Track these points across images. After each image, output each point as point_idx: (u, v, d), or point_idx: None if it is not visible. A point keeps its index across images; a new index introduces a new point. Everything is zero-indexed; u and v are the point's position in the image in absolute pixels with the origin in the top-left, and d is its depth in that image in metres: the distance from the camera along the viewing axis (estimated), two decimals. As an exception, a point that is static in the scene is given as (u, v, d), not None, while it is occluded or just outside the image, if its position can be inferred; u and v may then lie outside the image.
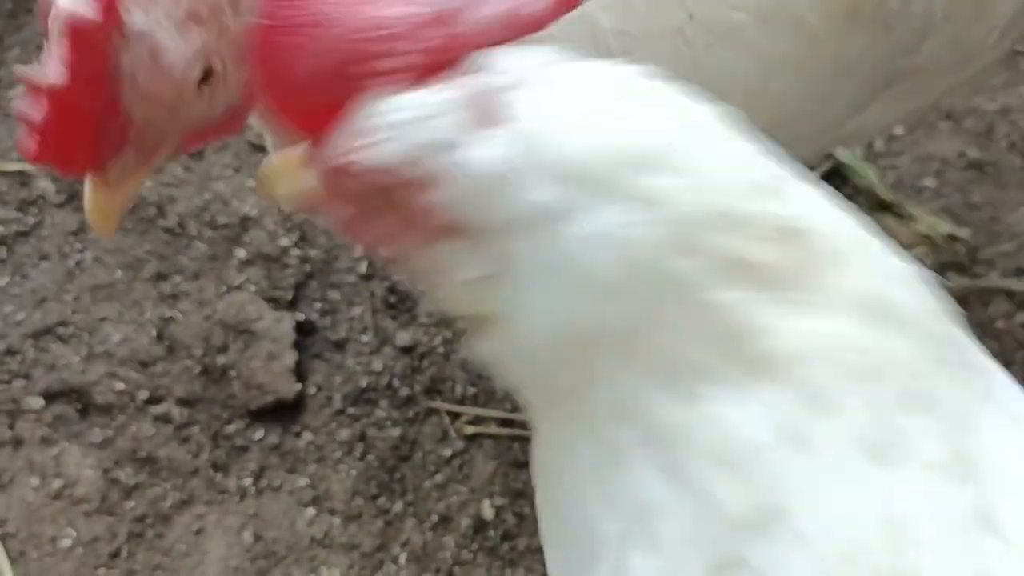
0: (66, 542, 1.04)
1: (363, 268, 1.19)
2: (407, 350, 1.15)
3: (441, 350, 1.16)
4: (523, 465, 1.13)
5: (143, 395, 1.10)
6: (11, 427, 1.07)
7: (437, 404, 1.13)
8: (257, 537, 1.05)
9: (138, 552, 1.04)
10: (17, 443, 1.08)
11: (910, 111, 1.10)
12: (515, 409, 1.15)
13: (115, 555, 1.04)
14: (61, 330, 1.11)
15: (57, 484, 1.06)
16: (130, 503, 1.06)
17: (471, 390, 1.14)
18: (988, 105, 1.39)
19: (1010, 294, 1.27)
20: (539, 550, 1.03)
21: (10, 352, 1.11)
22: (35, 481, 1.06)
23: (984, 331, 1.22)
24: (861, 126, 1.07)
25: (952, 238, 1.30)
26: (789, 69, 0.95)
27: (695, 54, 0.92)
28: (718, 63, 0.93)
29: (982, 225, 1.32)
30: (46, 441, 1.06)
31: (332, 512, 1.07)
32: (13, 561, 1.02)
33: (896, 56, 1.00)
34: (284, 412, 1.10)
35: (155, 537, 1.05)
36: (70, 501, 1.05)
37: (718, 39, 0.92)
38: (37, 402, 1.08)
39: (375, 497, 1.08)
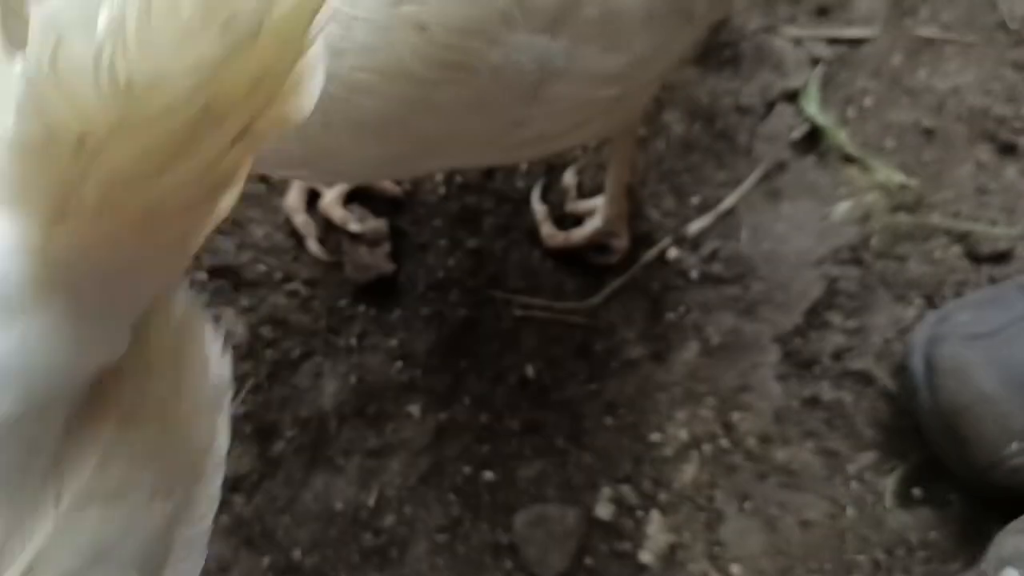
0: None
1: (442, 191, 1.56)
2: (474, 252, 1.52)
3: (499, 254, 1.52)
4: (557, 340, 1.48)
5: (278, 275, 1.49)
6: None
7: (495, 293, 1.50)
8: (360, 380, 1.42)
9: (274, 386, 1.42)
10: (185, 308, 1.46)
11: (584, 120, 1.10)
12: (556, 298, 1.51)
13: (257, 388, 1.42)
14: (221, 226, 1.48)
15: (217, 334, 1.44)
16: (268, 351, 1.44)
17: (521, 283, 1.50)
18: (941, 85, 1.71)
19: (947, 231, 1.58)
20: (564, 402, 1.40)
21: (182, 241, 1.49)
22: (201, 333, 1.44)
23: (924, 258, 1.55)
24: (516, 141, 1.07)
25: (904, 186, 1.60)
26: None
27: None
28: None
29: (930, 178, 1.62)
30: (210, 304, 1.44)
31: (415, 366, 1.43)
32: (186, 387, 1.40)
33: None
34: (382, 292, 1.47)
35: (286, 376, 1.42)
36: (227, 346, 1.43)
37: None
38: (203, 276, 1.47)
39: (446, 356, 1.45)
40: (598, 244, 1.50)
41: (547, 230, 1.50)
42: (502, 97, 0.96)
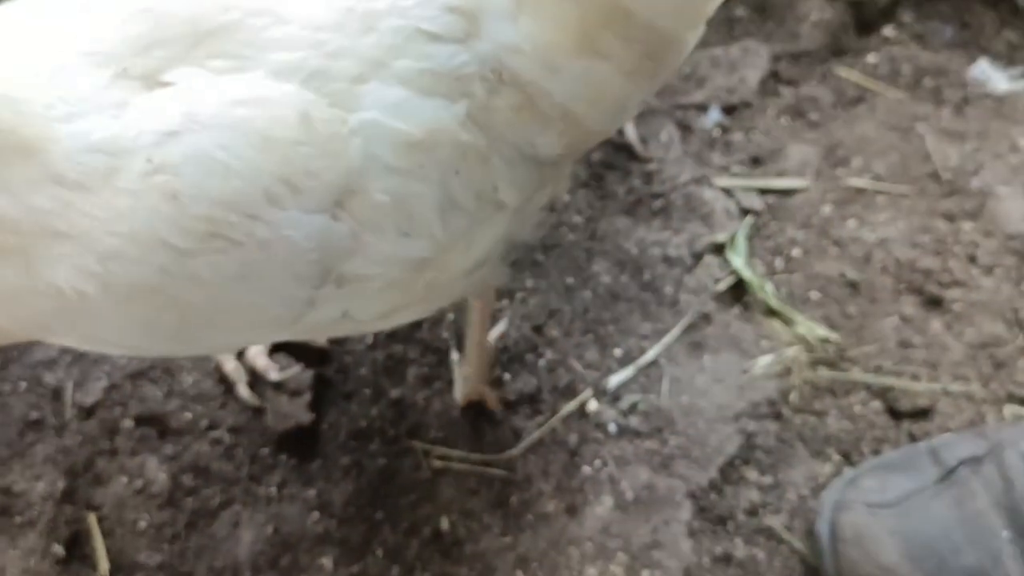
0: (142, 524, 1.45)
1: (369, 339, 1.60)
2: (396, 402, 1.55)
3: (421, 404, 1.55)
4: (475, 492, 1.50)
5: (204, 423, 1.52)
6: (111, 441, 1.50)
7: (414, 443, 1.52)
8: (276, 531, 1.45)
9: (191, 536, 1.45)
10: (113, 453, 1.50)
11: (399, 304, 1.09)
12: (475, 449, 1.53)
13: (175, 537, 1.45)
14: (152, 373, 1.54)
15: (139, 483, 1.47)
16: (189, 500, 1.47)
17: (440, 434, 1.53)
18: (869, 236, 1.75)
19: (868, 386, 1.60)
20: (478, 555, 1.41)
21: (114, 387, 1.55)
22: (124, 480, 1.48)
23: (843, 414, 1.57)
24: (316, 320, 1.04)
25: (825, 340, 1.63)
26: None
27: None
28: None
29: (852, 331, 1.65)
30: (134, 452, 1.48)
31: (331, 516, 1.46)
32: (105, 535, 1.43)
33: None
34: (302, 441, 1.51)
35: (204, 525, 1.45)
36: (147, 496, 1.47)
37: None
38: (129, 424, 1.52)
39: (363, 507, 1.47)
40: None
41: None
42: (278, 273, 0.95)
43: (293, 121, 0.92)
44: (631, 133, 1.82)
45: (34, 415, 1.50)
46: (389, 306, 1.08)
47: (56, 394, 1.52)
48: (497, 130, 1.04)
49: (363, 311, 1.06)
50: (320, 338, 1.55)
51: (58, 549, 1.41)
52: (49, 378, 1.53)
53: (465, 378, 1.52)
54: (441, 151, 0.99)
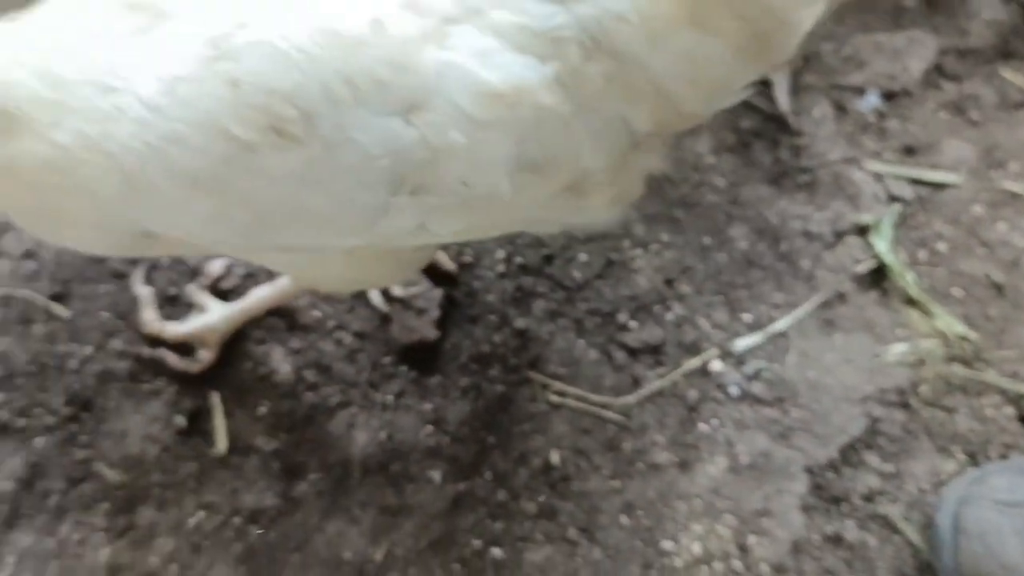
0: (262, 411, 1.48)
1: (500, 268, 1.60)
2: (520, 332, 1.55)
3: (545, 337, 1.55)
4: (588, 432, 1.49)
5: (331, 324, 1.54)
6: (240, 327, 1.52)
7: (534, 375, 1.52)
8: (389, 437, 1.46)
9: (307, 429, 1.47)
10: (242, 339, 1.53)
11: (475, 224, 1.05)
12: (593, 390, 1.52)
13: (292, 428, 1.47)
14: (287, 267, 1.56)
15: (263, 371, 1.50)
16: (309, 394, 1.49)
17: (560, 370, 1.52)
18: (1019, 241, 1.69)
19: (1002, 391, 1.55)
20: (584, 494, 1.40)
21: (250, 276, 1.57)
22: (249, 365, 1.51)
23: (973, 414, 1.52)
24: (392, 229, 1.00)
25: (963, 338, 1.58)
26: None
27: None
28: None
29: (992, 333, 1.59)
30: (261, 341, 1.51)
31: (444, 433, 1.46)
32: (226, 415, 1.46)
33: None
34: (425, 356, 1.52)
35: (322, 421, 1.47)
36: (269, 384, 1.49)
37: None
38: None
39: (476, 429, 1.47)
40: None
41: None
42: (345, 177, 0.92)
43: (362, 23, 0.89)
44: (784, 103, 1.78)
45: (172, 291, 1.53)
46: (465, 224, 1.03)
47: (194, 274, 1.55)
48: (586, 98, 0.98)
49: (440, 225, 1.02)
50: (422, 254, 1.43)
51: (180, 421, 1.44)
52: (192, 259, 1.56)
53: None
54: (521, 110, 0.94)
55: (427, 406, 1.48)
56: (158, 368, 1.47)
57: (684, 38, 0.98)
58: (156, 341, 1.48)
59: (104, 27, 0.91)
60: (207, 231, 0.98)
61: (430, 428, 1.46)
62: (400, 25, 0.90)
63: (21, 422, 1.43)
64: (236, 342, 1.50)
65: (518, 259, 1.59)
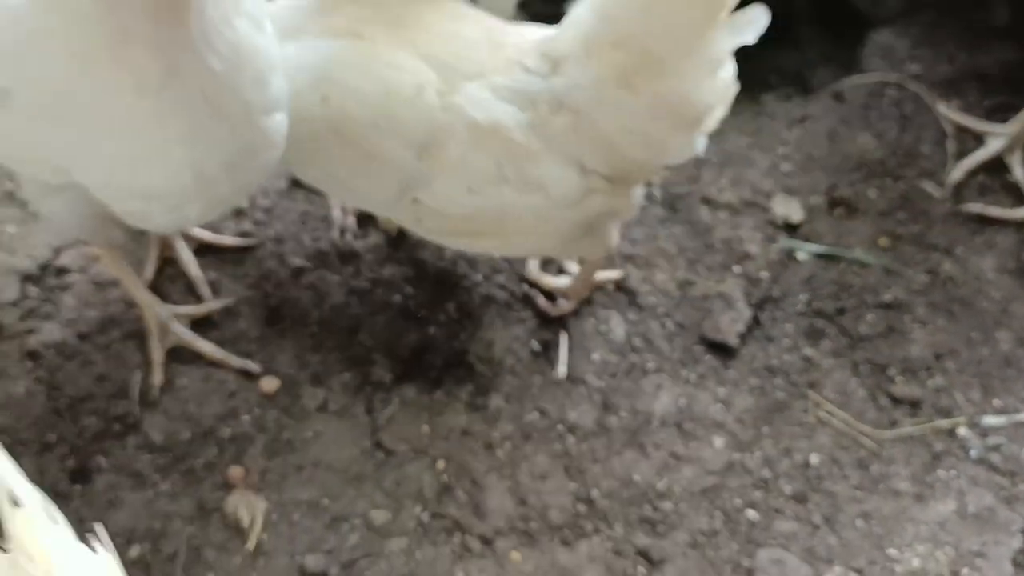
0: (595, 357, 1.90)
1: (801, 308, 1.98)
2: (806, 359, 1.91)
3: (826, 366, 1.90)
4: (844, 448, 1.81)
5: (661, 309, 1.97)
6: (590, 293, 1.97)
7: (811, 393, 1.87)
8: (687, 406, 1.84)
9: (625, 380, 1.87)
10: (590, 302, 1.97)
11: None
12: (857, 418, 1.85)
13: (613, 375, 1.88)
14: (637, 260, 2.01)
15: (603, 328, 1.93)
16: (632, 355, 1.90)
17: (833, 396, 1.87)
18: None
19: None
20: (829, 493, 1.72)
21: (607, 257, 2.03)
22: (592, 321, 1.95)
23: None
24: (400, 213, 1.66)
25: None
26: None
27: None
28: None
29: None
30: (605, 306, 1.95)
31: (729, 412, 1.83)
32: (569, 349, 1.90)
33: None
34: (726, 350, 1.90)
35: (636, 378, 1.87)
36: (605, 339, 1.92)
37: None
38: (610, 286, 1.99)
39: (755, 419, 1.83)
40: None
41: None
42: (377, 173, 1.56)
43: (407, 85, 1.50)
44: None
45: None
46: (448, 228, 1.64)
47: (568, 245, 2.01)
48: (551, 140, 1.49)
49: (432, 222, 1.63)
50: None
51: (535, 345, 1.89)
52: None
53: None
54: (497, 141, 1.49)
55: (720, 390, 1.85)
56: (528, 303, 1.93)
57: (617, 96, 1.44)
58: (532, 284, 1.94)
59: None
60: (323, 182, 1.75)
61: (720, 407, 1.83)
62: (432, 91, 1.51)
63: (422, 312, 1.91)
64: (586, 303, 1.94)
65: (816, 304, 1.96)
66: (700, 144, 1.52)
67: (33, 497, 0.71)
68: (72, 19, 1.22)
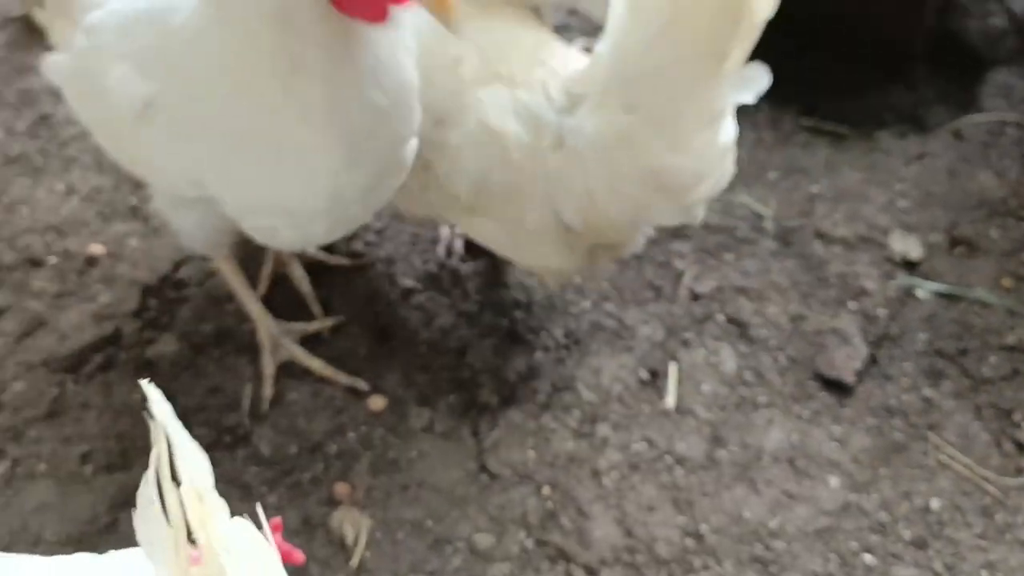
0: (704, 388, 1.86)
1: (920, 347, 1.91)
2: (926, 399, 1.84)
3: (947, 407, 1.82)
4: (967, 494, 1.73)
5: (773, 343, 1.92)
6: (702, 323, 1.94)
7: (931, 435, 1.80)
8: (799, 441, 1.79)
9: (735, 413, 1.83)
10: (701, 332, 1.94)
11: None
12: (979, 464, 1.77)
13: (722, 407, 1.84)
14: (751, 292, 1.98)
15: (713, 360, 1.89)
16: (742, 388, 1.86)
17: (954, 439, 1.79)
18: None
19: None
20: (952, 540, 1.64)
21: (720, 289, 2.00)
22: (702, 352, 1.91)
23: None
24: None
25: None
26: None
27: None
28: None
29: None
30: (717, 338, 1.91)
31: (846, 451, 1.77)
32: (680, 381, 1.86)
33: None
34: (842, 388, 1.84)
35: (747, 411, 1.83)
36: (715, 371, 1.88)
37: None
38: (722, 318, 1.95)
39: (872, 459, 1.76)
40: None
41: None
42: None
43: (448, 56, 1.52)
44: None
45: (656, 282, 1.98)
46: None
47: (678, 276, 1.99)
48: (543, 177, 1.50)
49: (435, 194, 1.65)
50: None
51: (643, 374, 1.86)
52: (678, 263, 2.01)
53: None
54: (494, 149, 1.52)
55: (836, 428, 1.80)
56: (635, 332, 1.91)
57: (614, 153, 1.44)
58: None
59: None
60: None
61: (835, 445, 1.77)
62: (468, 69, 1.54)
63: (530, 337, 1.91)
64: (697, 334, 1.91)
65: (937, 344, 1.90)
66: (695, 214, 1.52)
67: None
68: (245, 45, 1.24)
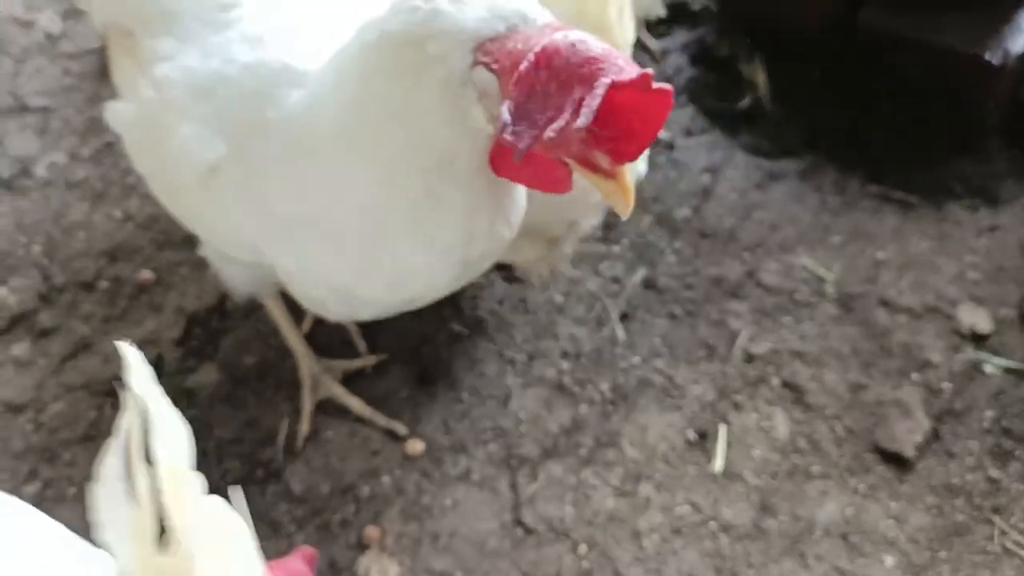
0: (755, 453, 1.78)
1: (987, 425, 1.81)
2: (992, 480, 1.73)
3: (1015, 490, 1.71)
4: (1035, 585, 1.62)
5: (830, 411, 1.84)
6: (756, 386, 1.86)
7: (996, 519, 1.68)
8: (854, 516, 1.69)
9: (784, 485, 1.74)
10: (754, 395, 1.86)
11: None
12: (1045, 554, 1.65)
13: (774, 476, 1.75)
14: (811, 360, 1.90)
15: (766, 425, 1.81)
16: (795, 456, 1.77)
17: (1022, 525, 1.68)
18: None
19: None
20: None
21: (775, 352, 1.92)
22: (755, 416, 1.83)
23: None
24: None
25: None
26: None
27: None
28: None
29: None
30: (770, 402, 1.83)
31: (902, 530, 1.67)
32: (728, 444, 1.78)
33: None
34: (899, 463, 1.74)
35: (799, 482, 1.74)
36: (768, 436, 1.80)
37: None
38: (777, 382, 1.88)
39: (931, 540, 1.66)
40: None
41: None
42: None
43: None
44: None
45: (710, 341, 1.92)
46: None
47: (733, 336, 1.92)
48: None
49: None
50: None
51: (691, 434, 1.78)
52: (733, 323, 1.94)
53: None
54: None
55: (893, 505, 1.69)
56: (685, 391, 1.84)
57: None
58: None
59: None
60: None
61: (892, 522, 1.67)
62: None
63: (576, 389, 1.85)
64: (750, 397, 1.83)
65: (1005, 422, 1.79)
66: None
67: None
68: (384, 185, 1.20)
